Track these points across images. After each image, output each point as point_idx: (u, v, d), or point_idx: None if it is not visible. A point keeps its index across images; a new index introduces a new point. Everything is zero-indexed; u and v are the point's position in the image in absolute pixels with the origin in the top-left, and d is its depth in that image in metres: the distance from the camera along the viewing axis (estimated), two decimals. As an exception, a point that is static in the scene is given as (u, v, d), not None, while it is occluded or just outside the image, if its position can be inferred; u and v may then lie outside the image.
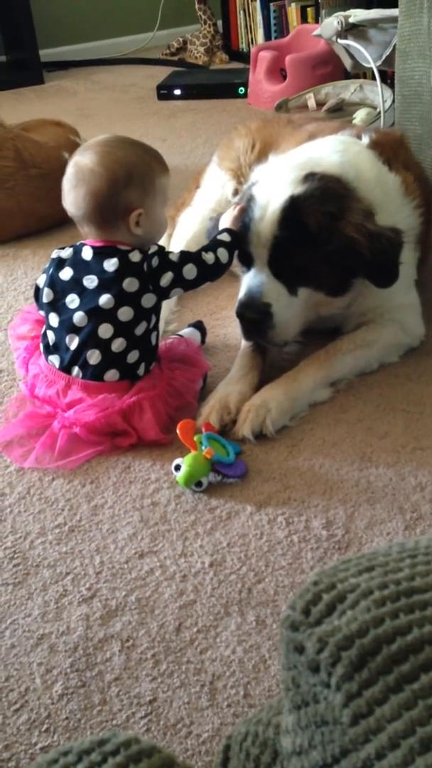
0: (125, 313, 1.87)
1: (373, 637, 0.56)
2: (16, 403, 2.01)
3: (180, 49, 5.79)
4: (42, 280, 2.01)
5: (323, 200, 1.90)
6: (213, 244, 1.99)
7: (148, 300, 1.89)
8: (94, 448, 1.85)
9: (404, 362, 2.13)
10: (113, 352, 1.88)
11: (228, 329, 2.31)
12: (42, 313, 2.01)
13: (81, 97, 5.11)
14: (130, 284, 1.87)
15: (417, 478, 1.74)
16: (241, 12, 5.43)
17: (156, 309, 1.94)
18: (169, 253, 1.93)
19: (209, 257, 1.94)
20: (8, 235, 3.00)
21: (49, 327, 1.96)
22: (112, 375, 1.90)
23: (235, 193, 2.57)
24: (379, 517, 1.64)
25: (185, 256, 1.93)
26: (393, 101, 3.25)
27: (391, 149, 2.18)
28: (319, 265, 1.93)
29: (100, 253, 1.90)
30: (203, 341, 2.24)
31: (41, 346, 2.00)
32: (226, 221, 2.08)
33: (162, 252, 1.91)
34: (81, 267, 1.91)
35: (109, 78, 5.48)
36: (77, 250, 1.94)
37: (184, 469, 1.73)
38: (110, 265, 1.88)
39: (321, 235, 1.89)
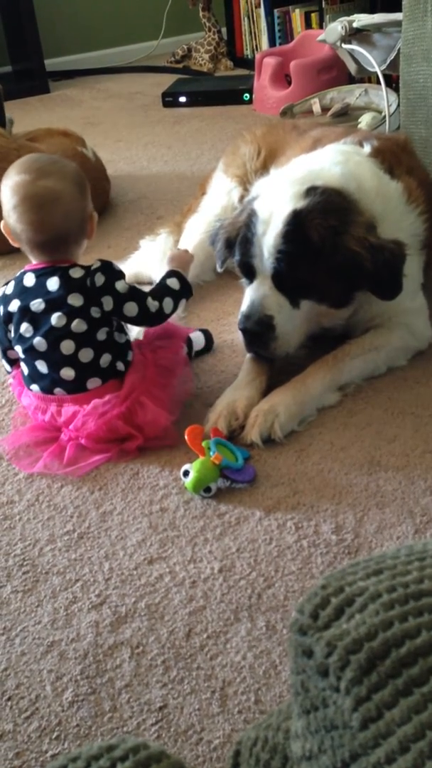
0: (78, 325, 1.85)
1: (381, 641, 0.56)
2: (24, 412, 2.01)
3: (185, 56, 5.81)
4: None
5: (326, 214, 1.91)
6: (161, 291, 1.96)
7: (95, 311, 1.87)
8: (103, 455, 1.85)
9: (412, 366, 2.13)
10: (84, 363, 1.87)
11: (235, 335, 2.30)
12: (8, 357, 2.03)
13: (87, 105, 5.13)
14: (75, 299, 1.85)
15: (426, 482, 1.73)
16: (246, 19, 5.45)
17: (108, 316, 1.90)
18: (118, 272, 1.90)
19: (153, 304, 1.92)
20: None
21: (21, 359, 1.95)
22: (94, 383, 1.89)
23: (241, 199, 2.58)
24: (388, 521, 1.63)
25: (132, 293, 1.89)
26: (398, 105, 3.25)
27: (393, 155, 2.18)
28: (321, 278, 1.94)
29: (42, 275, 1.89)
30: (210, 346, 2.25)
31: (22, 378, 1.99)
32: (172, 261, 2.09)
33: (106, 268, 1.88)
34: (26, 294, 1.89)
35: (115, 86, 5.50)
36: (19, 280, 1.92)
37: (192, 475, 1.73)
38: (53, 283, 1.86)
39: (324, 249, 1.89)
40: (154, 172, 3.81)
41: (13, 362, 2.05)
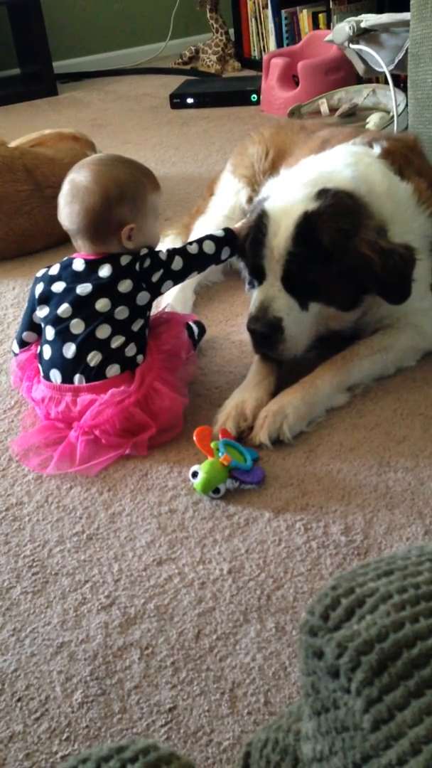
0: (121, 312, 1.92)
1: (392, 642, 0.55)
2: (34, 413, 2.02)
3: (192, 58, 5.81)
4: (30, 304, 2.05)
5: (337, 217, 1.91)
6: (202, 237, 2.09)
7: (142, 298, 1.95)
8: (115, 452, 1.85)
9: (421, 366, 2.12)
10: (112, 349, 1.91)
11: (244, 336, 2.29)
12: (22, 339, 2.08)
13: (95, 107, 5.14)
14: (124, 286, 1.93)
15: (436, 483, 1.73)
16: (253, 20, 5.45)
17: (150, 306, 2.00)
18: (158, 252, 2.01)
19: (193, 248, 2.05)
20: (29, 251, 3.04)
21: (46, 342, 1.97)
22: (114, 371, 1.91)
23: (249, 200, 2.58)
24: (398, 523, 1.63)
25: (171, 251, 2.02)
26: (406, 105, 3.24)
27: (402, 157, 2.18)
28: (331, 281, 1.94)
29: (93, 263, 1.96)
30: (201, 335, 2.27)
31: (39, 367, 2.00)
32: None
33: (153, 253, 1.99)
34: (74, 278, 1.97)
35: (123, 88, 5.51)
36: (66, 264, 2.00)
37: (201, 476, 1.73)
38: (104, 271, 1.94)
39: (334, 252, 1.89)
40: (162, 174, 3.79)
41: (23, 346, 2.09)
